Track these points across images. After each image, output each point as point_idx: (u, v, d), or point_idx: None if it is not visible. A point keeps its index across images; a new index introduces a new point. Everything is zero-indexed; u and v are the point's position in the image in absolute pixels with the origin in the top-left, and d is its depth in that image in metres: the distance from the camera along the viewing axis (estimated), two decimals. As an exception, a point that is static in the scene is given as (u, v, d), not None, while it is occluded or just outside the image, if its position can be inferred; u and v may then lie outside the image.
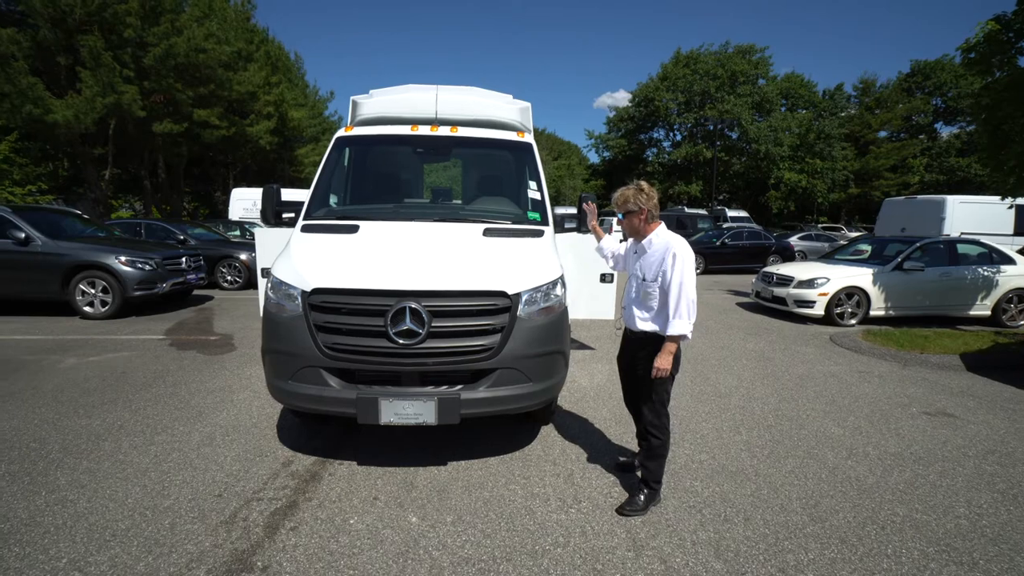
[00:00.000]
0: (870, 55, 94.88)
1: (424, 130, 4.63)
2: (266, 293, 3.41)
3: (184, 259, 9.42)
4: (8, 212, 8.12)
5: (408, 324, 2.99)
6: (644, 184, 3.01)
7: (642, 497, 3.05)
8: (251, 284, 11.77)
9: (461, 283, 3.17)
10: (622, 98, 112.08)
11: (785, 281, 9.60)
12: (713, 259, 17.50)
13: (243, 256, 11.95)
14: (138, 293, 8.21)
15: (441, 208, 4.82)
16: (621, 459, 3.59)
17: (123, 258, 8.17)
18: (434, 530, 2.81)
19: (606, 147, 52.25)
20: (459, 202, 5.01)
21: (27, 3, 17.02)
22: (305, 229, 3.85)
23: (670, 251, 2.85)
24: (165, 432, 3.96)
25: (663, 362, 2.87)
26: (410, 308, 3.01)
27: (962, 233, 13.91)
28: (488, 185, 5.07)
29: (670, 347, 2.87)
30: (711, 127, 46.16)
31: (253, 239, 14.11)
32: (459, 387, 3.18)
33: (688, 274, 2.82)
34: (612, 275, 5.78)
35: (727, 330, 8.42)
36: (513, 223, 4.10)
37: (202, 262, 10.16)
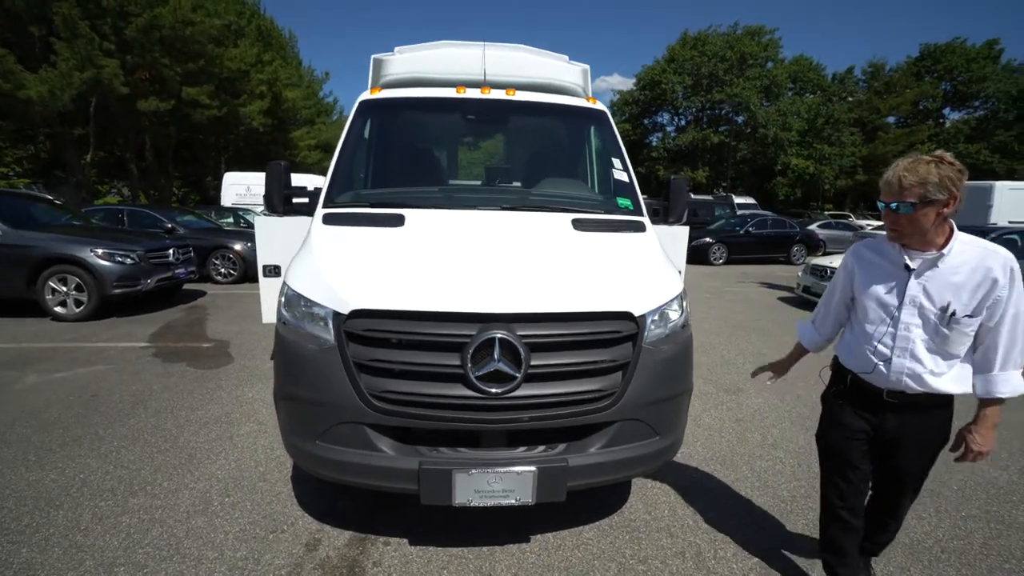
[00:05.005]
0: (881, 38, 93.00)
1: (474, 93, 3.59)
2: (279, 310, 2.41)
3: (171, 251, 8.29)
4: (-35, 197, 7.01)
5: (498, 363, 2.01)
6: (948, 155, 1.72)
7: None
8: (247, 277, 10.69)
9: (572, 302, 2.18)
10: (616, 82, 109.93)
11: (842, 275, 8.66)
12: (736, 249, 16.69)
13: (237, 246, 10.82)
14: (118, 291, 7.13)
15: (504, 192, 3.79)
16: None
17: (100, 251, 7.07)
18: None
19: (609, 131, 50.77)
20: (518, 184, 3.98)
21: None
22: (328, 220, 2.83)
23: (999, 267, 1.74)
24: (143, 491, 2.96)
25: (987, 440, 1.88)
26: (500, 339, 2.02)
27: (1010, 222, 13.15)
28: (553, 163, 4.01)
29: (996, 415, 1.88)
30: (720, 111, 44.87)
31: (248, 227, 13.02)
32: (562, 448, 2.22)
33: None
34: None
35: (786, 333, 7.46)
36: (605, 213, 3.11)
37: (192, 254, 9.04)
